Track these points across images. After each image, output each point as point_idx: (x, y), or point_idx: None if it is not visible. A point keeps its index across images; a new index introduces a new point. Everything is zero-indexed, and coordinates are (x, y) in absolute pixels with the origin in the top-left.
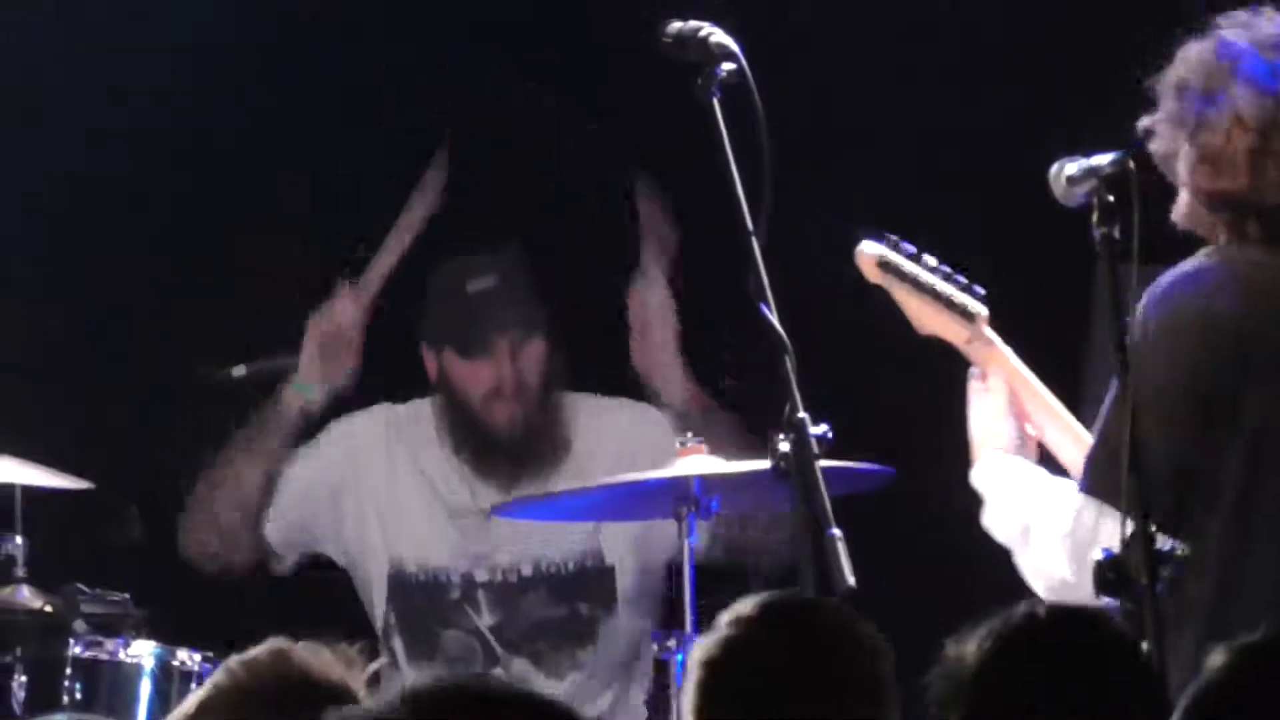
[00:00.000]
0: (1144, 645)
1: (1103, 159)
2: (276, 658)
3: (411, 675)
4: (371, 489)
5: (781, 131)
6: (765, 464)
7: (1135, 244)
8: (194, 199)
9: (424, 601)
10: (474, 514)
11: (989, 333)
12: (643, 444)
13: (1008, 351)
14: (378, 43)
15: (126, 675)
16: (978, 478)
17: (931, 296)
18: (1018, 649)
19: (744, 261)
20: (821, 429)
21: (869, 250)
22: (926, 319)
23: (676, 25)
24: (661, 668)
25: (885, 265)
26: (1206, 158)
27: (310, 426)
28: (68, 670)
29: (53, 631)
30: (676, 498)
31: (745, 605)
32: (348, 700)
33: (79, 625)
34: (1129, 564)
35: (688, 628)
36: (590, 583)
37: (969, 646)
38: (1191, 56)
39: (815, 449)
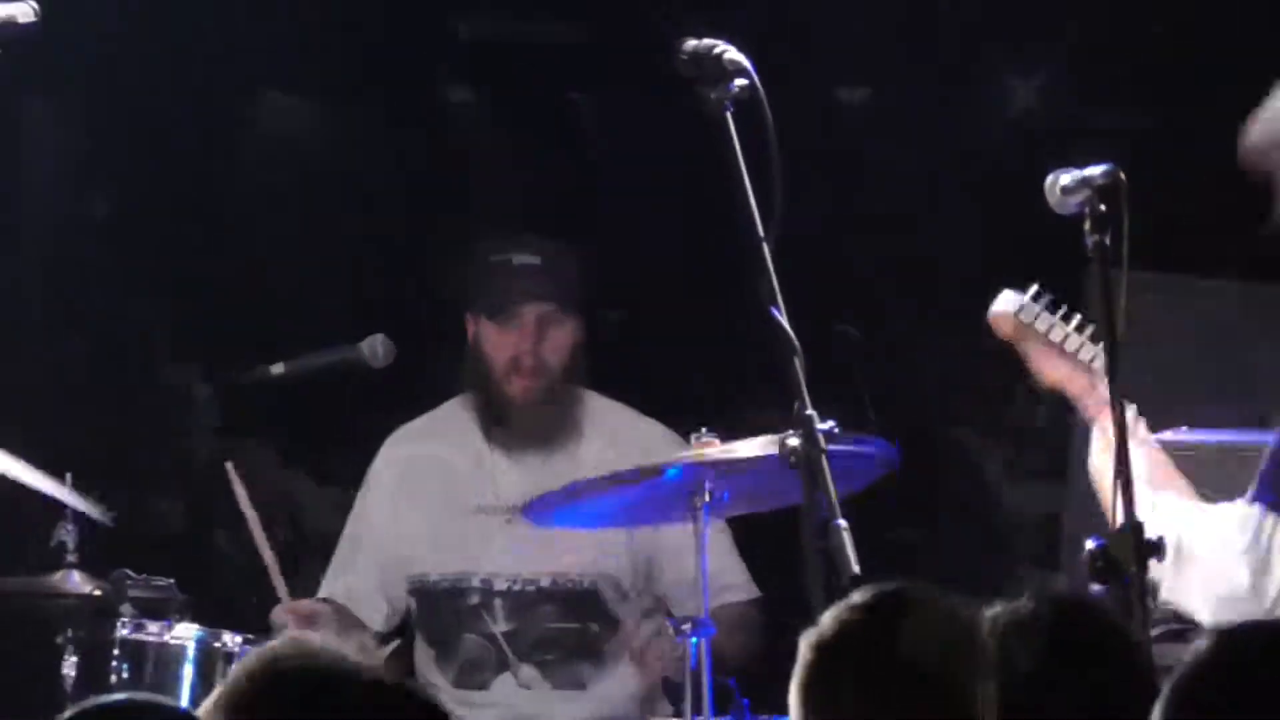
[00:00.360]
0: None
1: (1095, 170)
2: (297, 647)
3: (435, 675)
4: (408, 495)
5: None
6: (773, 450)
7: (1124, 250)
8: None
9: (446, 606)
10: (499, 516)
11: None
12: (652, 444)
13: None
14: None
15: (171, 656)
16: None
17: (1059, 351)
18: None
19: (755, 267)
20: (828, 424)
21: (1005, 307)
22: (1051, 370)
23: (692, 43)
24: None
25: (1021, 323)
26: None
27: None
28: (115, 651)
29: (101, 615)
30: (690, 490)
31: (859, 595)
32: (367, 686)
33: (126, 609)
34: (1119, 553)
35: (702, 613)
36: (601, 604)
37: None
38: None
39: (822, 444)
